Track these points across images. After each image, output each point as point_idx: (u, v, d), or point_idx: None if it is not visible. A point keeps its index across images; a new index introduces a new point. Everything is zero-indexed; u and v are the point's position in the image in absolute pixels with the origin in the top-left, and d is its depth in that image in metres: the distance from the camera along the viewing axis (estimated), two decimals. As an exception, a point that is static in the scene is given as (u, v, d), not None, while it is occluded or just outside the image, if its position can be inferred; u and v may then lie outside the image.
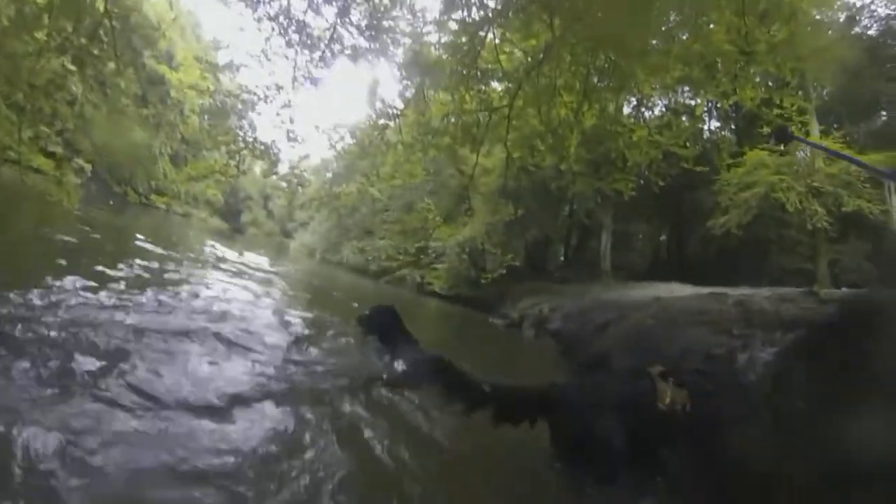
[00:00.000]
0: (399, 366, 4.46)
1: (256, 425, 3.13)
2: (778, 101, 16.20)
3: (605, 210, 23.09)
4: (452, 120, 15.47)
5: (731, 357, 4.88)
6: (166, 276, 7.86)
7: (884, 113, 23.33)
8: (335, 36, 14.23)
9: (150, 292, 5.91)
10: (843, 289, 13.60)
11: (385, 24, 14.31)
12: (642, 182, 18.24)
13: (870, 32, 21.91)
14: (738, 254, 21.83)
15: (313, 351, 5.31)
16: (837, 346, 2.94)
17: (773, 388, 3.16)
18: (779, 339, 4.92)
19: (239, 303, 6.88)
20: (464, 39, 13.45)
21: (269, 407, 3.47)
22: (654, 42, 11.39)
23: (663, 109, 23.56)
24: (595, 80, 12.50)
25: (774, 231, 19.73)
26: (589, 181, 19.82)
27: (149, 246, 11.79)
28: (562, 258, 29.76)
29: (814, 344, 3.27)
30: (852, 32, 20.73)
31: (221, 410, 3.22)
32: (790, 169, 17.93)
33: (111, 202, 16.19)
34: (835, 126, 19.81)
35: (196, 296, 6.57)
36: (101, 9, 9.40)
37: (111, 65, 10.60)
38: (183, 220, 43.09)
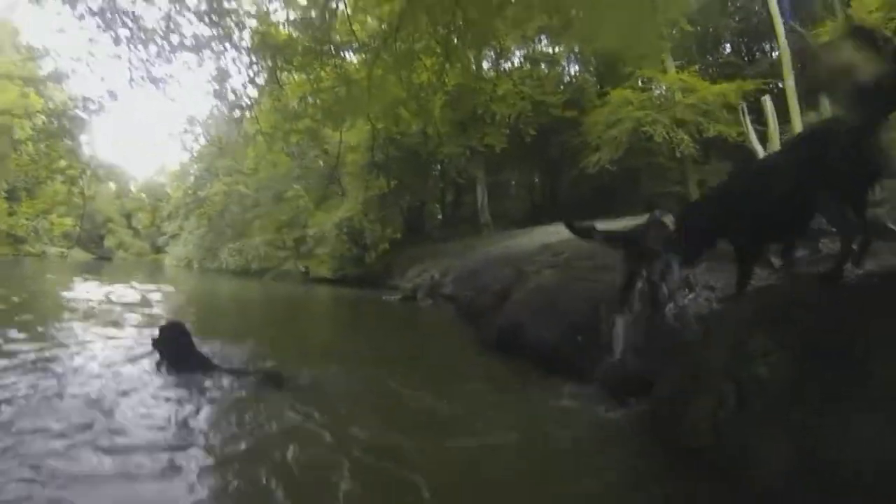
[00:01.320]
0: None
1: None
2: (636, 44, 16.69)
3: (477, 165, 22.97)
4: (310, 100, 14.76)
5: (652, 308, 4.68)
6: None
7: (728, 45, 25.08)
8: (171, 26, 13.02)
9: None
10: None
11: (227, 5, 13.23)
12: (511, 132, 18.29)
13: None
14: (610, 187, 22.57)
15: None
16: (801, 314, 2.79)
17: (731, 356, 2.89)
18: (693, 280, 4.86)
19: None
20: (314, 14, 12.73)
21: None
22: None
23: (522, 60, 23.77)
24: (454, 39, 12.17)
25: (644, 160, 20.46)
26: (458, 141, 19.72)
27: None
28: (440, 217, 29.55)
29: (772, 311, 3.05)
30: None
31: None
32: (653, 103, 18.57)
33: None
34: (686, 61, 20.78)
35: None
36: None
37: None
38: (38, 260, 38.34)
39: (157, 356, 5.04)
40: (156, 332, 5.16)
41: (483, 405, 4.45)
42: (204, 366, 4.82)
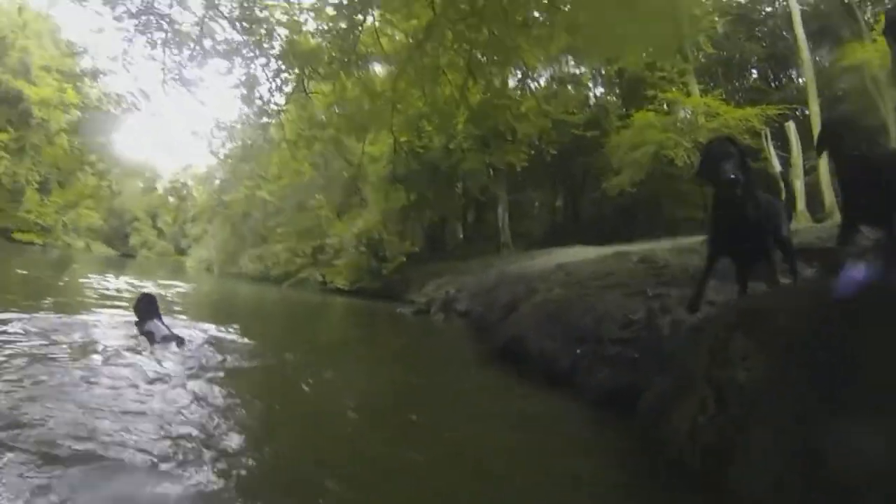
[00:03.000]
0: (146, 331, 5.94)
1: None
2: (659, 65, 16.69)
3: (499, 183, 23.09)
4: (336, 110, 15.00)
5: (651, 321, 4.71)
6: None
7: (754, 71, 24.94)
8: (205, 31, 13.34)
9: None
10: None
11: (259, 14, 13.53)
12: (533, 152, 18.35)
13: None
14: (632, 210, 22.56)
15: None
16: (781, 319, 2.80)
17: (711, 361, 2.93)
18: None
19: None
20: (343, 25, 12.95)
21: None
22: (536, 14, 11.31)
23: (549, 80, 23.88)
24: (479, 55, 12.31)
25: (665, 185, 20.37)
26: (479, 157, 19.82)
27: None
28: (461, 236, 29.62)
29: (752, 315, 3.08)
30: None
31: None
32: (675, 127, 18.54)
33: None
34: (712, 85, 20.77)
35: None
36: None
37: None
38: (63, 254, 39.00)
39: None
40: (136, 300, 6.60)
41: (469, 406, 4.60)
42: (159, 326, 6.22)
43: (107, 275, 16.98)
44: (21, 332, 5.47)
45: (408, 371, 6.83)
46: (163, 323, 6.33)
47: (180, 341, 5.99)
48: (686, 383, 3.09)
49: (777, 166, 15.96)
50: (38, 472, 2.42)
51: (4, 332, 5.26)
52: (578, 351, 5.20)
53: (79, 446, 2.74)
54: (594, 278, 8.54)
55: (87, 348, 5.23)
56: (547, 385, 5.30)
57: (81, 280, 14.86)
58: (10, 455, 2.51)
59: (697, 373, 3.02)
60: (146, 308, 6.43)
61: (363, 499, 2.66)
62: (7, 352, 4.51)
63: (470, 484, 2.96)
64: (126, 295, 11.09)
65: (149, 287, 13.77)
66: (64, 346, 5.16)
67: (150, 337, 5.88)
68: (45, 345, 5.06)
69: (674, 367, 3.49)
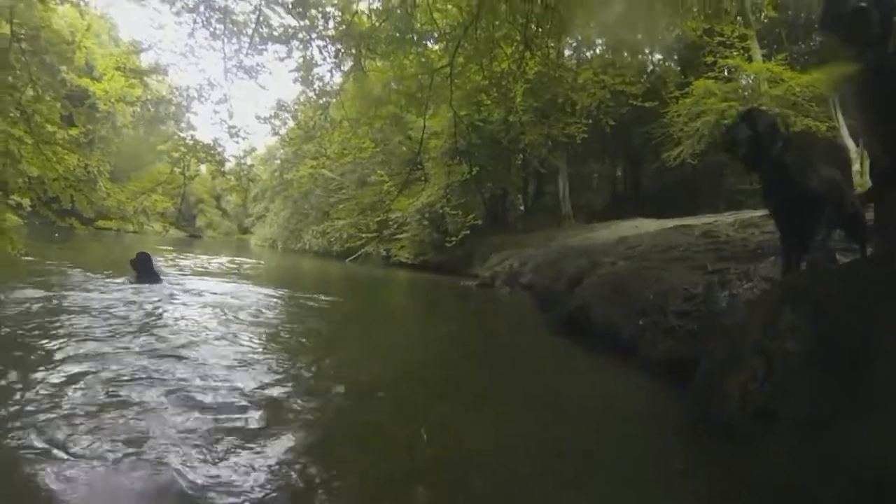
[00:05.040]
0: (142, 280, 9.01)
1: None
2: (719, 30, 16.19)
3: (559, 155, 22.98)
4: (394, 87, 15.17)
5: (710, 295, 4.79)
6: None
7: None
8: (262, 19, 13.66)
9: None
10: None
11: (312, -1, 13.74)
12: (592, 123, 18.12)
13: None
14: (693, 182, 22.09)
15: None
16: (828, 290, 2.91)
17: (762, 334, 3.03)
18: (752, 273, 4.89)
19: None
20: (395, 2, 13.06)
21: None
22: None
23: (604, 48, 23.39)
24: (534, 27, 12.24)
25: (727, 155, 19.75)
26: (538, 129, 19.68)
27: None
28: (521, 208, 29.67)
29: (802, 287, 3.15)
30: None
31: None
32: (737, 94, 17.95)
33: (56, 235, 15.29)
34: (775, 48, 19.91)
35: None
36: (7, 31, 8.64)
37: (29, 91, 9.70)
38: (138, 236, 41.19)
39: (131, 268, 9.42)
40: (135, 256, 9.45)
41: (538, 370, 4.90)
42: (153, 277, 9.34)
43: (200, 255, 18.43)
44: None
45: (476, 337, 7.12)
46: (155, 273, 9.40)
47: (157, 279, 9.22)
48: (739, 354, 3.20)
49: (846, 136, 15.28)
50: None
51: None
52: (641, 322, 5.33)
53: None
54: (656, 252, 8.59)
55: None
56: (609, 354, 5.50)
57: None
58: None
59: (750, 344, 3.13)
60: (144, 263, 9.38)
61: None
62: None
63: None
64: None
65: (223, 261, 15.04)
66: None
67: (151, 280, 9.06)
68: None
69: (728, 339, 3.57)
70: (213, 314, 6.84)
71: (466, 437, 3.20)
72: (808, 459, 2.36)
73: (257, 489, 2.34)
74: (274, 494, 2.31)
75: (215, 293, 9.08)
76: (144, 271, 9.20)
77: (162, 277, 9.53)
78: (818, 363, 2.57)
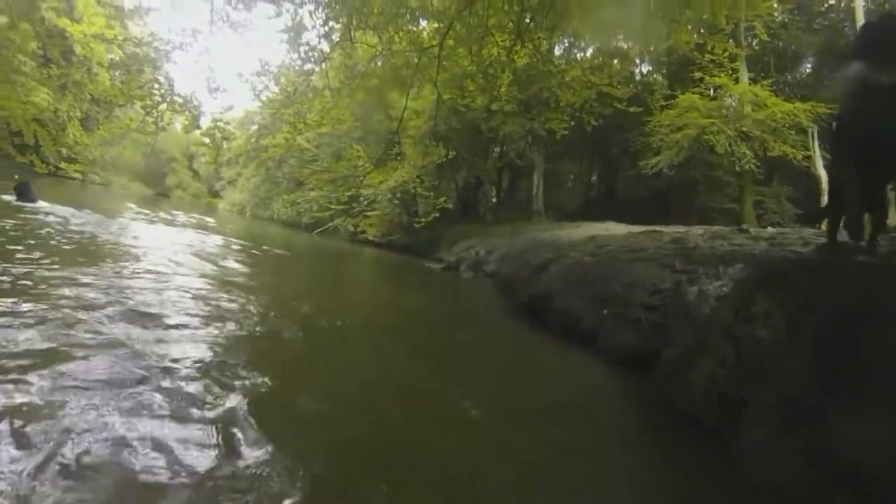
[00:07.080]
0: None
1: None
2: (710, 47, 16.29)
3: (537, 150, 22.87)
4: (380, 62, 14.97)
5: (679, 290, 4.77)
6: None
7: (809, 64, 24.01)
8: (254, -29, 13.33)
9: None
10: (769, 228, 14.05)
11: (308, -42, 13.45)
12: (573, 123, 18.14)
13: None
14: (666, 194, 22.26)
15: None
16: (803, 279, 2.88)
17: (735, 318, 3.00)
18: (721, 273, 4.85)
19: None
20: (391, -25, 12.87)
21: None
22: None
23: (595, 52, 23.45)
24: (528, 19, 12.17)
25: (703, 171, 20.02)
26: (520, 121, 19.67)
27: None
28: (493, 200, 29.54)
29: (776, 276, 3.13)
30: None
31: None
32: (720, 113, 18.12)
33: (16, 175, 14.79)
34: (762, 75, 20.17)
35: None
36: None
37: (2, 18, 9.26)
38: (102, 188, 40.16)
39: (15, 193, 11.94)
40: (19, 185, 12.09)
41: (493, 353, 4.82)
42: (31, 198, 11.93)
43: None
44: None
45: (430, 305, 7.07)
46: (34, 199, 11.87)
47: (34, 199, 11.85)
48: (706, 343, 3.18)
49: (821, 167, 15.68)
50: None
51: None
52: (605, 311, 5.29)
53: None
54: (625, 251, 8.57)
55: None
56: (567, 340, 5.46)
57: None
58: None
59: (720, 331, 3.11)
60: (24, 189, 12.00)
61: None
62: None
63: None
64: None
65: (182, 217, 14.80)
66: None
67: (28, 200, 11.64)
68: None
69: (695, 327, 3.55)
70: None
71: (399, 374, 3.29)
72: (781, 451, 2.31)
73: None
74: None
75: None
76: (23, 192, 12.06)
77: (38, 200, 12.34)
78: (791, 349, 2.54)
